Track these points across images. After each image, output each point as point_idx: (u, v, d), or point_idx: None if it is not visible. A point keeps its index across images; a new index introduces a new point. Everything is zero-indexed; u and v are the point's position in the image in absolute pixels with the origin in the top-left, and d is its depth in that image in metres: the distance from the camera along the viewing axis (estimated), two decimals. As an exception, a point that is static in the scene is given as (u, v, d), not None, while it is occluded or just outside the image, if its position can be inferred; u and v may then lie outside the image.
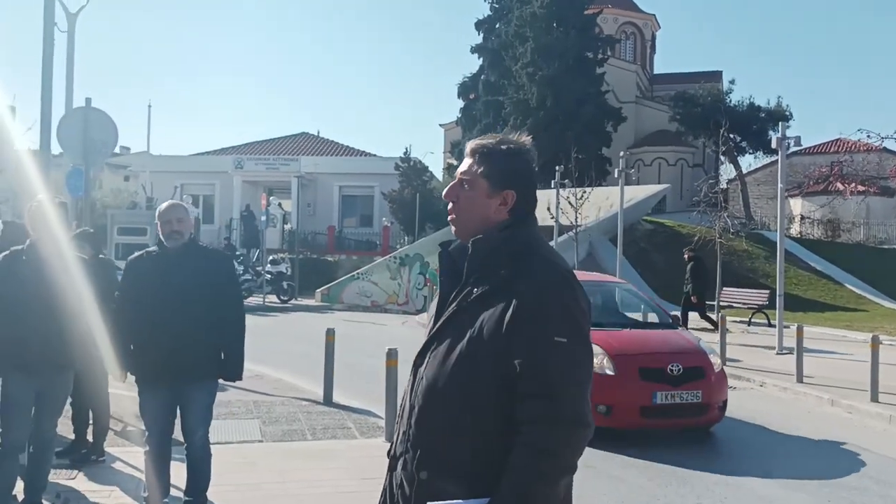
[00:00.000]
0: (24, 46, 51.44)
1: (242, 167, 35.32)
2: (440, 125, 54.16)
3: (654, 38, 57.83)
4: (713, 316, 17.70)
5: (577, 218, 22.69)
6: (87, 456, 6.27)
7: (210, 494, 5.38)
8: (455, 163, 45.25)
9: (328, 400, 8.99)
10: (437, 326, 2.22)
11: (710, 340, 11.61)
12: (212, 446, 6.78)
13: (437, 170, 44.07)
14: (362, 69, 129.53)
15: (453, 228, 2.30)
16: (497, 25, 44.82)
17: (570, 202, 22.64)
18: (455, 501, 2.02)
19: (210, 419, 4.93)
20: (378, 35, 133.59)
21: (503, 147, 2.27)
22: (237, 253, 26.01)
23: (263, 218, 24.90)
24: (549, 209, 23.73)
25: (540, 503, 2.01)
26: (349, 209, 36.76)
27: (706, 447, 7.85)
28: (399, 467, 2.19)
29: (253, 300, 23.52)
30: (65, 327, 4.70)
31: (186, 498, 4.90)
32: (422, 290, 24.49)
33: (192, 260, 4.73)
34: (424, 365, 2.20)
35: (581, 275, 8.98)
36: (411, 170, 34.03)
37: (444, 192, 2.31)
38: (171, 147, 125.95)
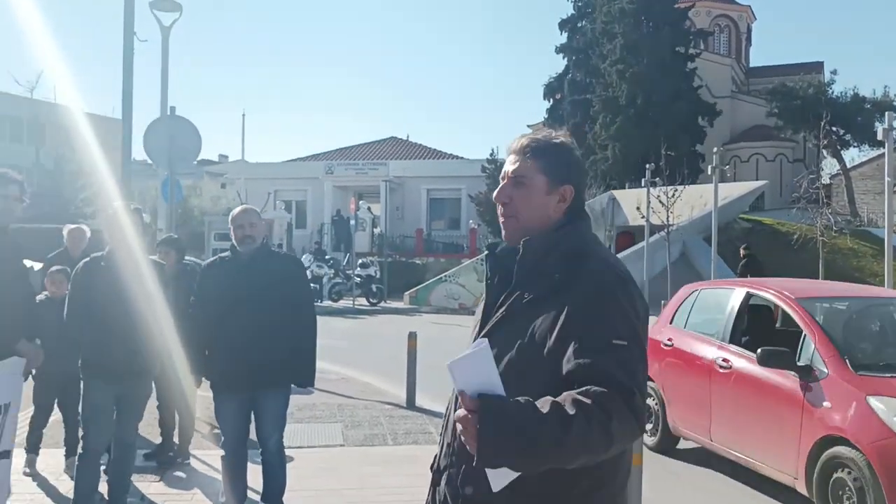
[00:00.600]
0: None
1: (333, 172, 35.94)
2: (528, 126, 53.82)
3: (749, 30, 55.87)
4: None
5: (668, 217, 22.08)
6: (172, 458, 6.39)
7: (290, 499, 5.38)
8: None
9: (411, 404, 8.93)
10: (482, 333, 2.08)
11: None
12: (294, 450, 6.88)
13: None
14: (449, 73, 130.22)
15: (504, 232, 2.15)
16: (581, 23, 44.23)
17: (661, 201, 22.04)
18: (498, 373, 1.77)
19: (284, 424, 4.90)
20: (462, 38, 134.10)
21: (556, 141, 2.14)
22: (327, 257, 26.42)
23: (353, 222, 25.22)
24: (638, 208, 23.17)
25: (551, 451, 1.72)
26: (437, 212, 36.90)
27: None
28: (443, 482, 2.07)
29: (343, 303, 23.86)
30: (143, 333, 4.76)
31: (262, 503, 4.89)
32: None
33: (263, 264, 4.72)
34: None
35: (842, 287, 7.85)
36: (498, 171, 33.69)
37: (494, 195, 2.16)
38: (265, 154, 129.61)
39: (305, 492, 5.69)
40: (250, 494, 5.07)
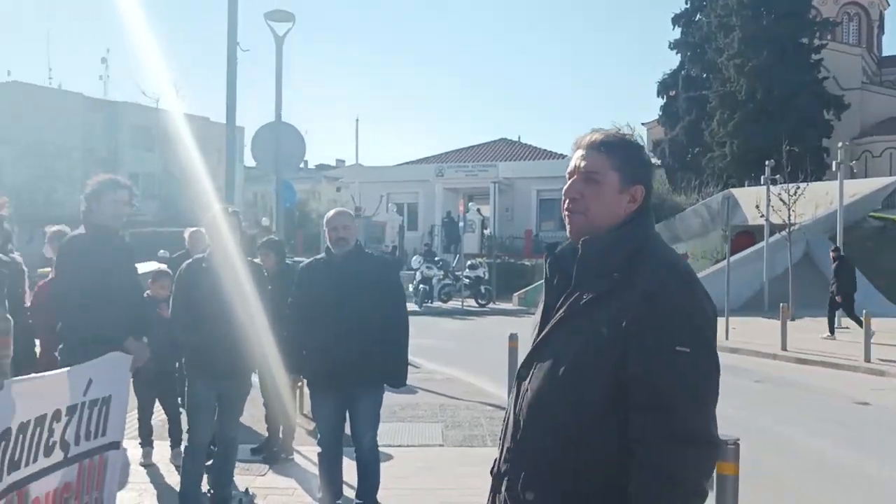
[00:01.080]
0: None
1: (443, 175, 36.23)
2: (642, 124, 52.70)
3: (881, 17, 52.74)
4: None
5: (790, 216, 21.02)
6: (277, 454, 6.58)
7: (385, 497, 5.44)
8: (657, 161, 43.78)
9: (512, 406, 8.86)
10: (542, 335, 2.02)
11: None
12: (394, 449, 6.97)
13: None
14: (560, 73, 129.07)
15: (570, 228, 2.08)
16: (696, 18, 42.87)
17: (781, 199, 21.02)
18: None
19: (377, 423, 4.96)
20: (574, 37, 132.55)
21: (628, 139, 2.09)
22: (437, 259, 26.66)
23: (461, 224, 25.35)
24: (757, 207, 22.20)
25: None
26: (547, 213, 36.52)
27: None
28: (504, 487, 2.02)
29: (452, 304, 24.03)
30: (243, 333, 4.92)
31: (357, 501, 4.96)
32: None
33: (357, 266, 4.78)
34: (529, 377, 2.01)
35: None
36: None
37: (564, 189, 2.09)
38: (379, 158, 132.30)
39: (401, 490, 5.74)
40: (346, 491, 5.16)
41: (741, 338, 15.95)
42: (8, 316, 3.50)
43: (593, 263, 1.97)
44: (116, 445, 4.53)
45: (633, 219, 2.03)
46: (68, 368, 4.25)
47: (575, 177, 2.07)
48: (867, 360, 13.01)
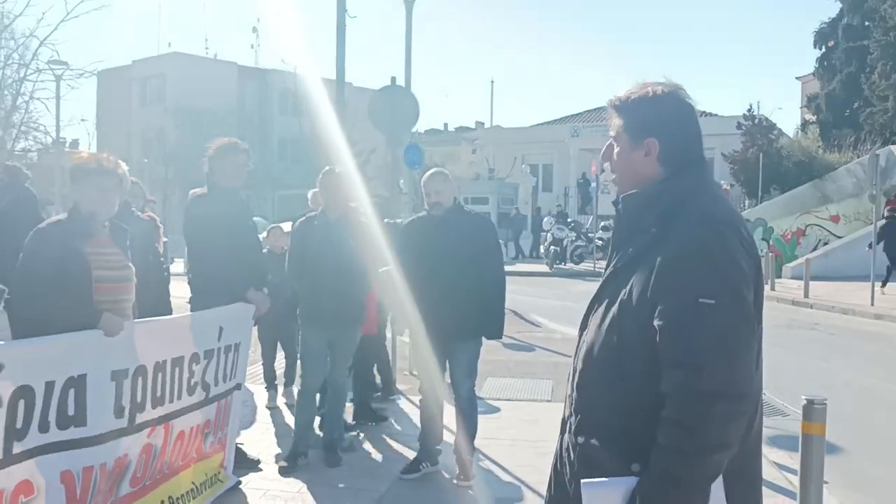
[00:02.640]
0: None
1: (578, 135, 35.77)
2: (796, 78, 49.63)
3: None
4: None
5: (954, 174, 19.42)
6: (381, 398, 7.03)
7: (485, 445, 5.71)
8: (812, 118, 41.18)
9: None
10: (598, 289, 2.16)
11: None
12: (503, 402, 7.21)
13: (788, 126, 40.50)
14: (706, 24, 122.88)
15: (617, 190, 2.20)
16: (859, -40, 39.61)
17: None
18: (604, 479, 1.94)
19: (475, 373, 5.18)
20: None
21: (637, 95, 2.11)
22: (569, 220, 26.51)
23: (594, 184, 25.06)
24: (918, 166, 20.60)
25: (687, 483, 1.83)
26: (687, 172, 35.38)
27: None
28: (567, 431, 2.15)
29: (584, 266, 23.90)
30: (352, 285, 5.27)
31: (456, 447, 5.22)
32: (764, 257, 22.85)
33: (454, 224, 4.99)
34: (586, 329, 2.14)
35: None
36: (756, 128, 31.56)
37: (601, 154, 2.21)
38: (516, 119, 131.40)
39: (502, 441, 5.98)
40: (448, 437, 5.44)
41: (888, 304, 15.02)
42: (130, 265, 3.96)
43: (634, 220, 2.06)
44: (240, 387, 5.03)
45: (675, 173, 2.06)
46: (196, 313, 4.74)
47: (608, 142, 2.19)
48: None
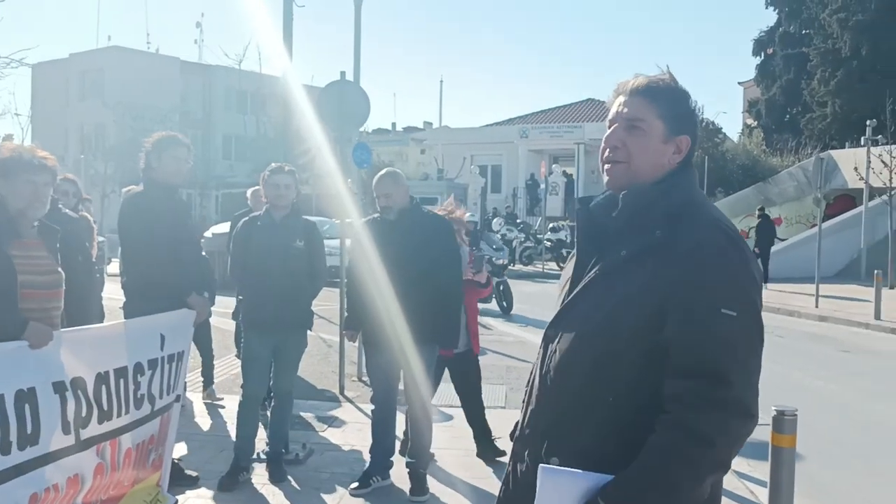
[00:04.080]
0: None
1: (528, 136, 35.80)
2: (739, 83, 50.75)
3: None
4: None
5: (892, 178, 19.89)
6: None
7: (440, 457, 5.50)
8: (753, 122, 42.03)
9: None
10: (574, 294, 1.92)
11: None
12: (455, 409, 6.97)
13: (732, 131, 41.29)
14: (652, 32, 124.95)
15: (609, 179, 1.95)
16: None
17: (883, 161, 19.90)
18: (572, 470, 1.75)
19: (430, 383, 4.94)
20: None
21: (675, 85, 1.93)
22: (518, 221, 26.48)
23: (543, 186, 25.07)
24: (856, 169, 21.10)
25: (679, 496, 1.68)
26: (634, 175, 35.75)
27: None
28: (526, 453, 1.94)
29: (533, 267, 23.87)
30: (299, 289, 4.98)
31: (408, 459, 4.98)
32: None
33: (408, 228, 4.75)
34: (558, 338, 1.92)
35: None
36: (702, 131, 32.15)
37: (605, 137, 1.96)
38: (465, 120, 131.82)
39: (456, 451, 5.76)
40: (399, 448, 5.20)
41: (832, 306, 15.27)
42: (60, 269, 3.62)
43: (634, 219, 1.86)
44: (180, 399, 4.69)
45: (678, 172, 1.91)
46: (135, 320, 4.39)
47: (616, 124, 1.94)
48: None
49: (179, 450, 5.29)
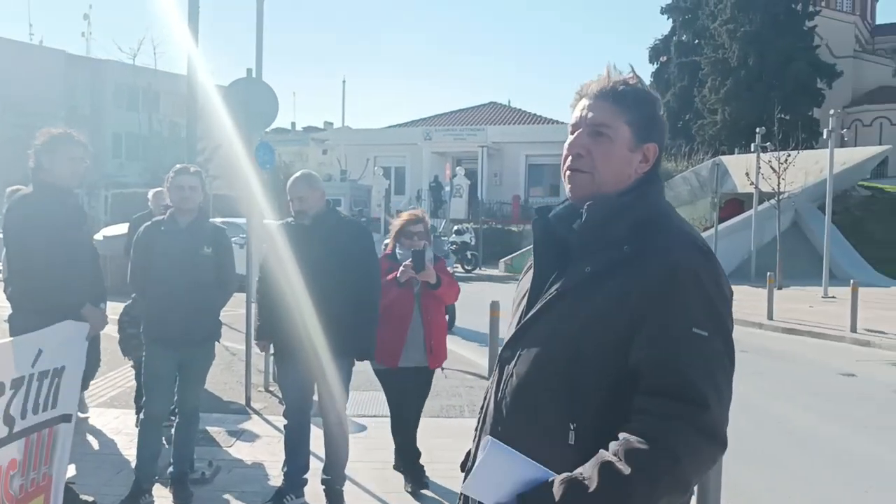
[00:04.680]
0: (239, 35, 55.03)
1: (431, 138, 35.84)
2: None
3: (877, -17, 52.16)
4: None
5: (780, 184, 20.85)
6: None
7: (355, 471, 5.27)
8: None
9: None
10: (532, 313, 1.77)
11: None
12: (368, 419, 6.77)
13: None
14: (552, 38, 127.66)
15: (569, 186, 1.81)
16: (692, -19, 42.32)
17: (771, 167, 20.84)
18: (516, 453, 1.59)
19: (346, 396, 4.73)
20: (563, 2, 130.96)
21: (644, 89, 1.80)
22: (423, 223, 26.39)
23: (447, 188, 25.08)
24: (747, 174, 22.04)
25: None
26: (536, 178, 36.25)
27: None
28: None
29: (437, 270, 23.84)
30: (206, 300, 4.68)
31: (324, 476, 4.76)
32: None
33: (324, 234, 4.53)
34: (515, 360, 1.76)
35: None
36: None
37: (567, 144, 1.81)
38: (368, 121, 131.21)
39: (372, 463, 5.56)
40: (315, 464, 4.95)
41: (745, 310, 15.84)
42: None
43: (599, 231, 1.73)
44: (69, 418, 4.30)
45: (645, 182, 1.78)
46: (13, 339, 4.00)
47: (580, 130, 1.79)
48: (853, 330, 12.93)
49: (71, 472, 4.88)
